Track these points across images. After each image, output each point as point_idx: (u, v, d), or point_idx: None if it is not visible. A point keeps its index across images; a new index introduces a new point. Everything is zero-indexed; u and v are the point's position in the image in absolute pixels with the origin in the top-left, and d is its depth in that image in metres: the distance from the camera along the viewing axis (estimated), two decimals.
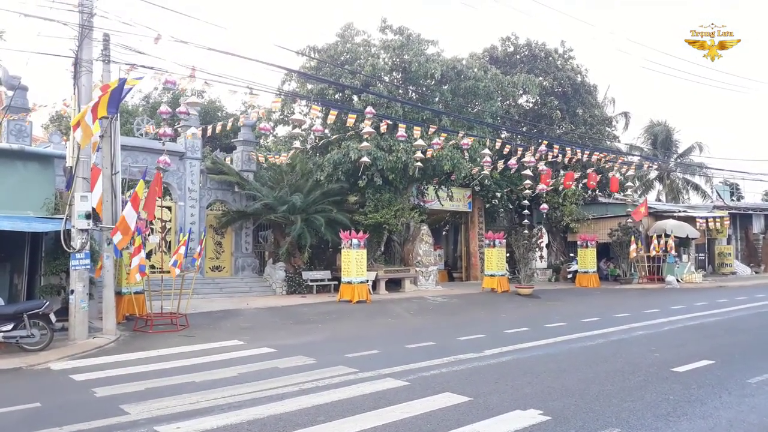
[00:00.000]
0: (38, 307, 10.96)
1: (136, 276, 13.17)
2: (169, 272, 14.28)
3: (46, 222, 12.54)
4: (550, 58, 29.70)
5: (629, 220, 27.53)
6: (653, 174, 43.94)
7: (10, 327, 10.54)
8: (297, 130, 17.72)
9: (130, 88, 12.46)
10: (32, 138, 16.09)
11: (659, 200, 42.53)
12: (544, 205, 25.96)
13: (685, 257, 28.91)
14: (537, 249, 26.12)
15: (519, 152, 22.00)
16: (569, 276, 28.50)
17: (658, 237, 26.78)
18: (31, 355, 10.40)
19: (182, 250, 14.10)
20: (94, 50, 12.55)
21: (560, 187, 27.08)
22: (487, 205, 29.39)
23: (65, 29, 12.00)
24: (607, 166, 24.15)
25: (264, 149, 27.48)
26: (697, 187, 44.81)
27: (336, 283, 20.90)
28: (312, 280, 21.52)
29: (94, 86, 12.78)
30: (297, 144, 19.34)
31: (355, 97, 22.11)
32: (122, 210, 13.33)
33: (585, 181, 25.68)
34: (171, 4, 14.29)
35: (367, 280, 19.77)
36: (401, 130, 17.91)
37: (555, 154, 22.11)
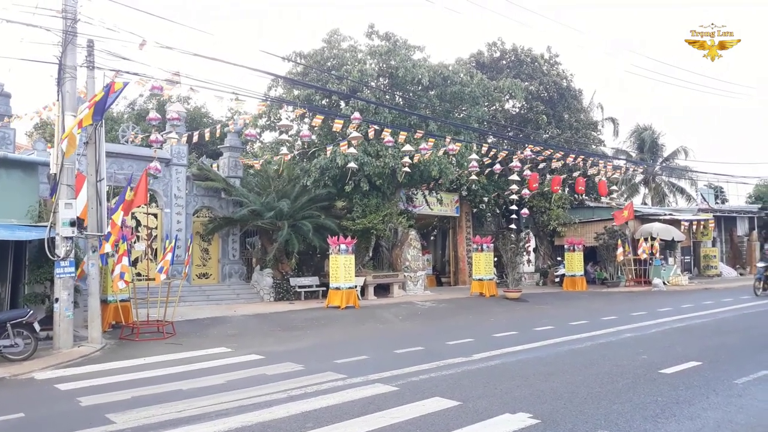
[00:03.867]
0: (22, 316, 10.83)
1: (118, 284, 13.09)
2: (154, 279, 14.15)
3: (30, 230, 12.40)
4: (536, 63, 29.87)
5: (614, 224, 27.70)
6: (639, 178, 44.27)
7: None
8: (284, 136, 17.70)
9: (117, 95, 12.35)
10: (16, 145, 15.96)
11: (645, 204, 42.83)
12: (525, 210, 26.04)
13: (671, 260, 29.12)
14: (524, 253, 26.20)
15: (504, 156, 22.05)
16: (557, 280, 28.59)
17: (644, 240, 26.96)
18: (15, 365, 10.26)
19: (169, 256, 14.01)
20: (79, 56, 12.45)
21: (545, 190, 27.20)
22: (475, 210, 29.48)
23: (49, 35, 11.90)
24: (594, 171, 24.28)
25: (251, 155, 27.40)
26: (682, 191, 45.17)
27: (324, 289, 20.83)
28: (300, 287, 21.44)
29: (79, 93, 12.68)
30: (284, 150, 19.31)
31: (343, 103, 22.09)
32: (108, 217, 13.24)
33: (571, 183, 25.81)
34: (156, 10, 14.24)
35: (356, 286, 19.71)
36: (388, 136, 17.93)
37: (542, 158, 22.19)
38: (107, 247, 12.63)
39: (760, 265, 21.41)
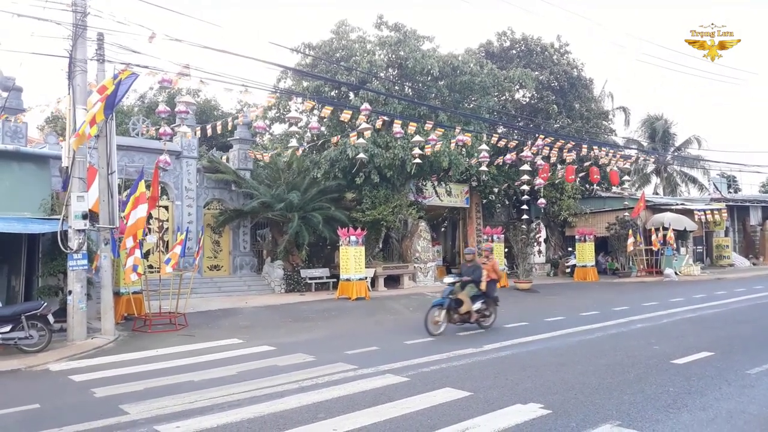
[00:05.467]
0: (36, 309, 10.94)
1: (131, 276, 13.19)
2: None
3: (43, 223, 12.51)
4: (546, 52, 29.63)
5: (626, 214, 27.55)
6: (650, 167, 43.96)
7: (8, 329, 10.52)
8: (293, 128, 17.69)
9: (127, 89, 12.39)
10: (28, 139, 16.05)
11: (656, 193, 42.56)
12: (542, 200, 25.91)
13: (683, 250, 28.94)
14: (535, 244, 26.09)
15: (513, 145, 21.92)
16: (568, 270, 28.50)
17: (656, 230, 26.81)
18: (29, 357, 10.37)
19: (177, 249, 14.08)
20: (89, 50, 12.49)
21: (557, 181, 27.07)
22: (485, 201, 29.38)
23: (59, 29, 11.94)
24: (605, 161, 24.10)
25: (260, 147, 27.44)
26: (694, 180, 44.87)
27: (334, 280, 20.88)
28: (310, 278, 21.50)
29: (90, 86, 12.73)
30: (294, 142, 19.33)
31: (352, 94, 22.03)
32: (119, 209, 13.33)
33: (582, 174, 25.65)
34: (165, 2, 14.24)
35: (366, 277, 19.74)
36: (398, 127, 17.89)
37: (553, 147, 21.99)
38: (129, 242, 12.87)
39: (448, 280, 12.75)
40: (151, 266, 18.71)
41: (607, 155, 23.66)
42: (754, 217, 36.02)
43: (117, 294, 14.08)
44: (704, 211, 29.69)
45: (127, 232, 12.97)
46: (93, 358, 10.45)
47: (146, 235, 17.64)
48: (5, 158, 12.91)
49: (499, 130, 25.73)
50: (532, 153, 21.71)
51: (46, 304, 11.28)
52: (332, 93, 22.75)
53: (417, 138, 18.96)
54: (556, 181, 27.18)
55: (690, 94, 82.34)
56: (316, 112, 16.95)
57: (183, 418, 6.45)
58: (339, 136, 19.88)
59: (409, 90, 23.78)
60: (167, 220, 20.87)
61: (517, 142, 22.46)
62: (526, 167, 22.39)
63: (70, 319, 11.92)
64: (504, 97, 28.76)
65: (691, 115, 75.03)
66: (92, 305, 13.42)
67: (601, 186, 29.78)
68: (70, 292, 11.94)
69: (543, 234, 30.37)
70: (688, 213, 28.89)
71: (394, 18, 22.49)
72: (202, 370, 9.01)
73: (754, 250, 35.54)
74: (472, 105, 24.21)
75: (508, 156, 21.76)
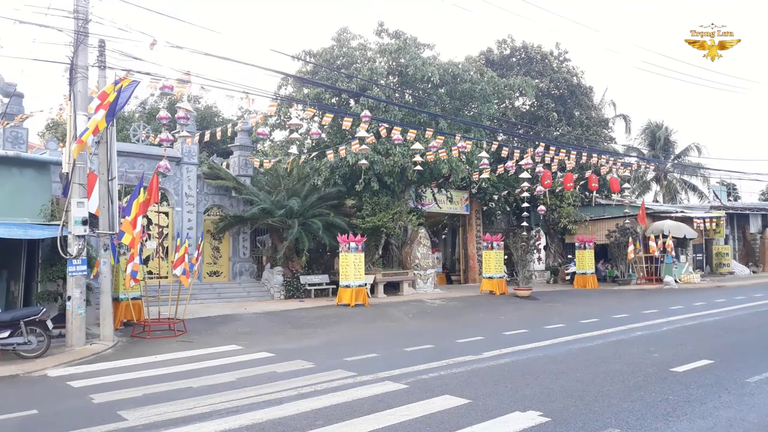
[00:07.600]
0: (35, 314, 10.93)
1: (129, 282, 13.19)
2: (166, 277, 14.23)
3: (43, 228, 12.51)
4: (546, 60, 29.74)
5: (627, 221, 27.55)
6: (650, 175, 43.98)
7: (6, 334, 10.51)
8: (294, 135, 17.74)
9: (128, 96, 12.43)
10: (28, 145, 16.10)
11: (656, 201, 42.57)
12: (542, 207, 25.93)
13: (682, 257, 28.91)
14: (535, 251, 26.08)
15: (516, 154, 21.98)
16: (567, 278, 28.50)
17: (656, 238, 26.80)
18: (28, 362, 10.35)
19: (186, 257, 14.06)
20: (90, 56, 12.54)
21: (557, 189, 27.09)
22: (485, 208, 29.41)
23: (61, 35, 11.99)
24: (606, 170, 24.12)
25: (261, 154, 27.49)
26: (694, 188, 44.87)
27: (334, 286, 20.87)
28: (310, 284, 21.49)
29: (91, 92, 12.77)
30: (294, 148, 19.34)
31: (352, 101, 22.07)
32: (119, 216, 13.34)
33: (582, 182, 25.66)
34: (166, 10, 14.31)
35: (365, 284, 19.73)
36: (398, 134, 17.92)
37: (552, 156, 22.02)
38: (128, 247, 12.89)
39: None
40: (150, 272, 18.71)
41: (607, 162, 23.68)
42: (754, 225, 36.03)
43: (116, 300, 14.07)
44: (704, 218, 29.70)
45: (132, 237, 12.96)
46: (92, 364, 10.44)
47: (146, 240, 17.67)
48: (6, 164, 12.92)
49: (500, 138, 25.78)
50: (535, 160, 21.72)
51: (45, 309, 11.27)
52: (333, 100, 22.80)
53: (417, 146, 18.99)
54: (557, 189, 27.22)
55: (690, 101, 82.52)
56: (316, 118, 16.97)
57: (181, 424, 6.44)
58: (344, 147, 19.89)
59: (410, 97, 23.84)
60: (167, 226, 20.88)
61: (518, 150, 22.49)
62: (526, 174, 22.41)
63: (69, 324, 11.90)
64: (504, 105, 28.81)
65: (691, 123, 75.18)
66: (91, 311, 13.40)
67: (601, 193, 29.80)
68: (69, 298, 11.93)
69: (543, 241, 30.37)
70: (688, 221, 28.89)
71: (394, 25, 22.57)
72: (200, 376, 8.99)
73: (753, 257, 35.53)
74: (472, 113, 24.25)
75: (509, 163, 21.79)
